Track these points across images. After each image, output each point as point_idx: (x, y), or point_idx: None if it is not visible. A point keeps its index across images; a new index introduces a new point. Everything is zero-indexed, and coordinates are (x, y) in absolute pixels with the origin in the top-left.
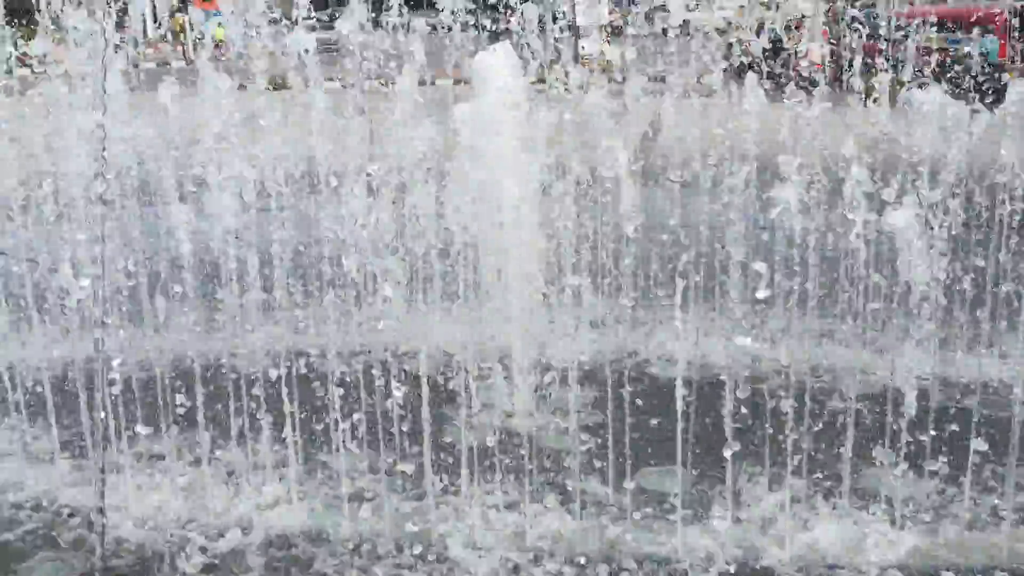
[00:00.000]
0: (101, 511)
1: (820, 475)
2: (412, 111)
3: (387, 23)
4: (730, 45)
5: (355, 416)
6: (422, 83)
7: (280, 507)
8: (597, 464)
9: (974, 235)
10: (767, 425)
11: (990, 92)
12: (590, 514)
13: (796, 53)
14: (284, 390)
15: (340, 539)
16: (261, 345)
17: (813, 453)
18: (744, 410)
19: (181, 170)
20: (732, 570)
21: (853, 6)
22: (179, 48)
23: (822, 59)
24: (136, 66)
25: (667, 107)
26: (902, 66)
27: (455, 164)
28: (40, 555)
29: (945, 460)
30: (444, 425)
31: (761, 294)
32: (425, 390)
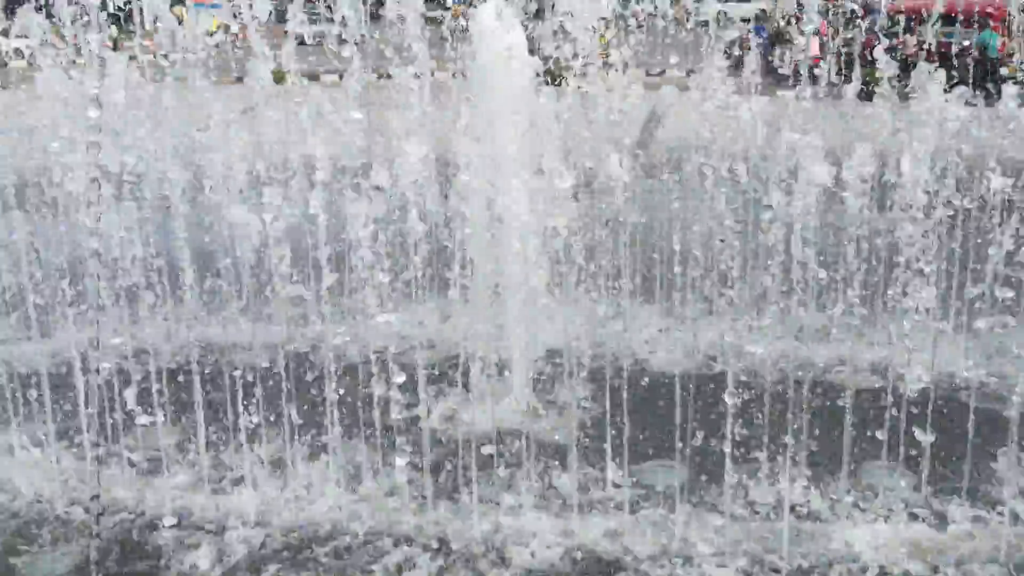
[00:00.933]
0: (96, 497)
1: None
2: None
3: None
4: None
5: None
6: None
7: None
8: None
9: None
10: None
11: (991, 86)
12: None
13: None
14: None
15: None
16: None
17: None
18: None
19: None
20: None
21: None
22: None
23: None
24: (133, 58)
25: (665, 99)
26: (908, 61)
27: None
28: None
29: None
30: None
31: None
32: None
